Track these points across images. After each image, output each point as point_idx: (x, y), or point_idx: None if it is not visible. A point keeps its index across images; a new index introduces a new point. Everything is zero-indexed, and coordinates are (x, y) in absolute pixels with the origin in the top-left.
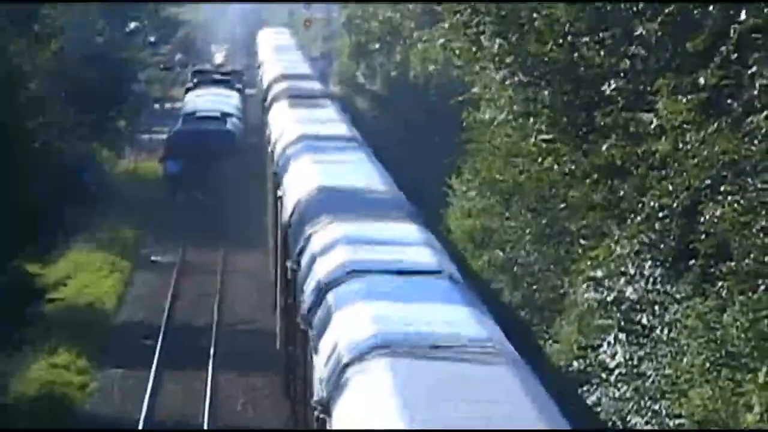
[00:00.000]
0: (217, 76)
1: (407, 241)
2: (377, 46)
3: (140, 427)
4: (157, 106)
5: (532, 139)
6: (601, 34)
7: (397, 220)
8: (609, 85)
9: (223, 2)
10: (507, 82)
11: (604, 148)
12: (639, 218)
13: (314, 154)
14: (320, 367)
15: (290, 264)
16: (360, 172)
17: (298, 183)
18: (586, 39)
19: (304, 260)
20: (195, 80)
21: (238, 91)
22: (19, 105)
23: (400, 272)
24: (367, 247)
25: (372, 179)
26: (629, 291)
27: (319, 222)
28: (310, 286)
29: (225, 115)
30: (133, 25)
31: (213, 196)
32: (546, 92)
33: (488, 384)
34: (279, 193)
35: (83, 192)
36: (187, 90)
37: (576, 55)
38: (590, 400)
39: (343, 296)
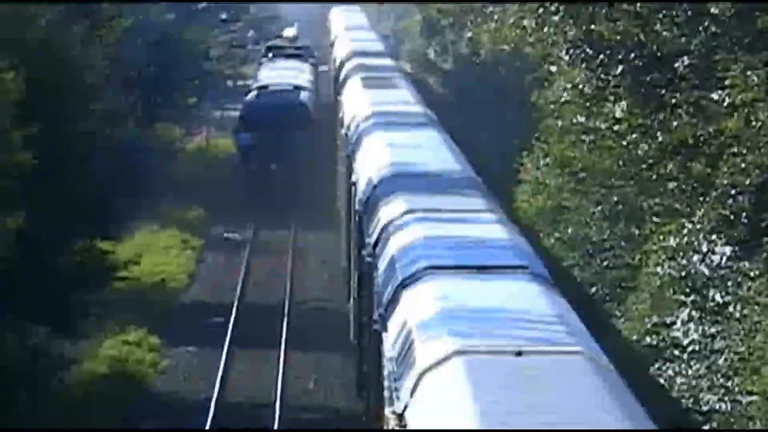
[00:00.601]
0: (290, 51)
1: (487, 235)
2: (449, 23)
3: (212, 405)
4: (230, 83)
5: (603, 118)
6: (673, 12)
7: (475, 208)
8: (682, 62)
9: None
10: (578, 61)
11: (675, 125)
12: (711, 196)
13: (388, 135)
14: (391, 370)
15: (365, 254)
16: (435, 153)
17: (372, 166)
18: (658, 16)
19: (379, 251)
20: (268, 54)
21: (311, 65)
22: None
23: (481, 268)
24: (445, 240)
25: (447, 161)
26: (702, 267)
27: (394, 210)
28: (386, 282)
29: (298, 88)
30: (203, 3)
31: (285, 169)
32: (617, 71)
33: (572, 393)
34: (353, 177)
35: (139, 175)
36: (260, 64)
37: (647, 31)
38: (662, 377)
39: (419, 295)
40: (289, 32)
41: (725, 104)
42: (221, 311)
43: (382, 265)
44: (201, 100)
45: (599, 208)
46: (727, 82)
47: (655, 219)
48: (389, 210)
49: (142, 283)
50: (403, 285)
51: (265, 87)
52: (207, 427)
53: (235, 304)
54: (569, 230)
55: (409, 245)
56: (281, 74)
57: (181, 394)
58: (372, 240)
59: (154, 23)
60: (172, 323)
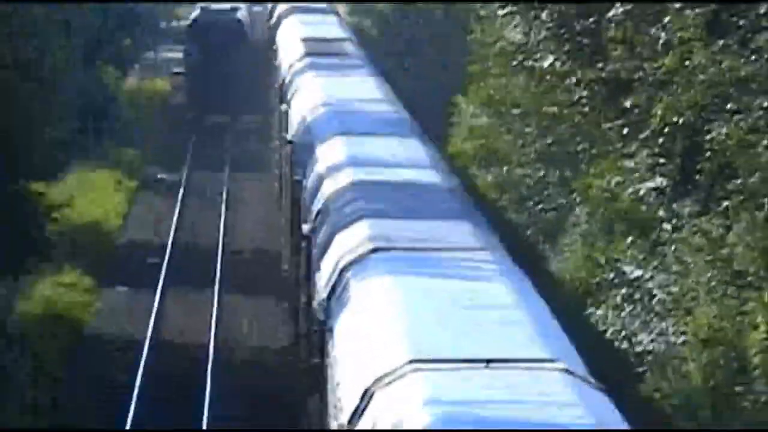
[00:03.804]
0: None
1: (413, 163)
2: None
3: (146, 345)
4: (163, 24)
5: (536, 58)
6: None
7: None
8: (616, 8)
9: None
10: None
11: (607, 63)
12: (645, 135)
13: (321, 78)
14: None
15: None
16: (365, 90)
17: (304, 100)
18: None
19: (310, 179)
20: None
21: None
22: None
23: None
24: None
25: (381, 104)
26: (635, 207)
27: (330, 159)
28: (314, 204)
29: (234, 9)
30: None
31: (225, 77)
32: (549, 12)
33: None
34: (284, 107)
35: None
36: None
37: None
38: (595, 318)
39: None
40: None
41: (660, 42)
42: (155, 253)
43: (314, 191)
44: (135, 42)
45: (533, 149)
46: (665, 20)
47: (588, 160)
48: (325, 159)
49: (75, 224)
50: (337, 233)
51: (205, 7)
52: (140, 369)
53: (169, 245)
54: (503, 172)
55: (344, 195)
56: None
57: (115, 335)
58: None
59: None
60: (105, 265)
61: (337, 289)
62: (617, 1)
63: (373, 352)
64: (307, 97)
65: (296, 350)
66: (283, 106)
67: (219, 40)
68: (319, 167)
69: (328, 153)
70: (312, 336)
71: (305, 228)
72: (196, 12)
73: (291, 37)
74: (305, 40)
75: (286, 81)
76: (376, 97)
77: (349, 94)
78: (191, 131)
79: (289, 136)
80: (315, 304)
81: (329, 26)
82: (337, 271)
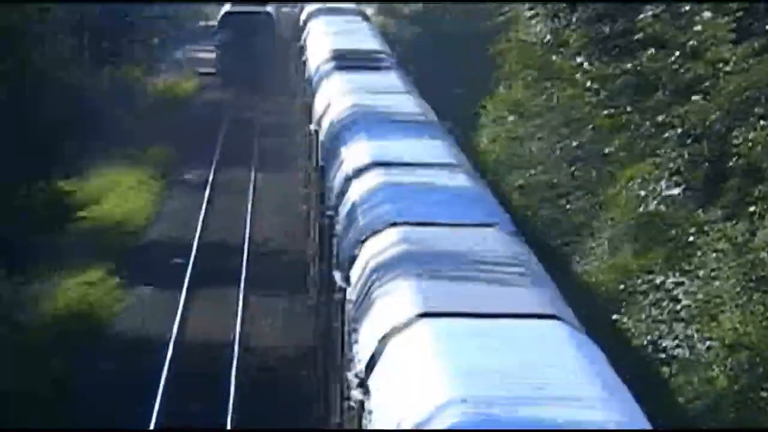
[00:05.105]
0: None
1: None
2: None
3: (171, 345)
4: (191, 25)
5: (561, 63)
6: None
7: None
8: (646, 11)
9: None
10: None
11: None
12: (673, 139)
13: (349, 77)
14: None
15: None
16: (396, 97)
17: (332, 102)
18: None
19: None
20: None
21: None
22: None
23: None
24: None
25: (409, 105)
26: (661, 210)
27: (357, 160)
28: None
29: (263, 4)
30: None
31: (253, 65)
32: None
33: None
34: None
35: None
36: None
37: None
38: (621, 322)
39: (383, 246)
40: None
41: (689, 45)
42: (181, 252)
43: (343, 214)
44: (163, 42)
45: (558, 152)
46: (696, 29)
47: (614, 163)
48: (352, 159)
49: (101, 223)
50: (366, 239)
51: (237, 2)
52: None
53: (195, 244)
54: (528, 175)
55: (373, 198)
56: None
57: (140, 335)
58: (333, 192)
59: None
60: (131, 264)
61: (377, 359)
62: (649, 2)
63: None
64: (332, 92)
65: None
66: (312, 126)
67: (249, 27)
68: (354, 200)
69: (363, 184)
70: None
71: (338, 278)
72: (227, 5)
73: (319, 46)
74: (333, 51)
75: (313, 79)
76: (410, 110)
77: (382, 107)
78: (218, 130)
79: (317, 163)
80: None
81: (358, 31)
82: (378, 339)
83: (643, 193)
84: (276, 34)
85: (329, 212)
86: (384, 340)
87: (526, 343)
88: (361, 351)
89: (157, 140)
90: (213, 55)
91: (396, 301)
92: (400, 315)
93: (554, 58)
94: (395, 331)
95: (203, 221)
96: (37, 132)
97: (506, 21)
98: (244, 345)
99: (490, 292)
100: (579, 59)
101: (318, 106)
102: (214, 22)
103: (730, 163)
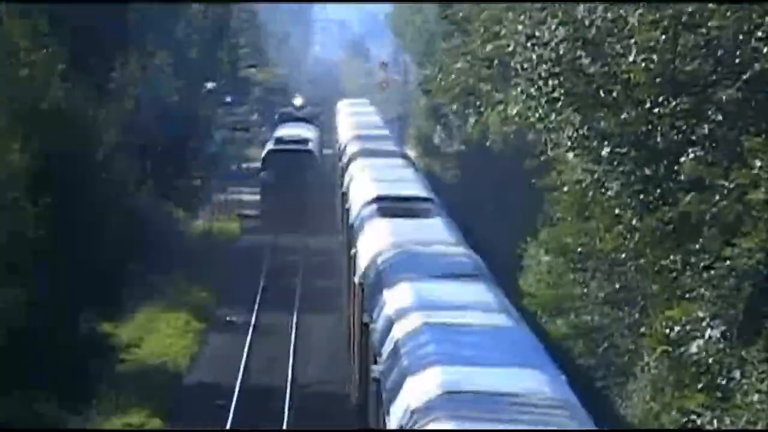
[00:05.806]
0: (299, 114)
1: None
2: (454, 108)
3: None
4: (234, 166)
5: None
6: (678, 100)
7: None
8: (687, 155)
9: None
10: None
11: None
12: (713, 280)
13: (391, 222)
14: None
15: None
16: (435, 234)
17: (374, 244)
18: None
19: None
20: (281, 119)
21: (316, 126)
22: (93, 160)
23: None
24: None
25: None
26: (702, 354)
27: (405, 326)
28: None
29: (306, 140)
30: (209, 85)
31: (296, 201)
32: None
33: None
34: (353, 251)
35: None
36: (275, 126)
37: (651, 125)
38: None
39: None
40: (298, 101)
41: (728, 187)
42: (223, 394)
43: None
44: (205, 183)
45: (601, 294)
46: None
47: (655, 305)
48: (401, 325)
49: (144, 364)
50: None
51: (280, 138)
52: None
53: (237, 387)
54: (572, 317)
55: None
56: (293, 129)
57: None
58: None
59: (166, 97)
60: (173, 406)
61: None
62: (689, 146)
63: None
64: (377, 240)
65: None
66: (353, 250)
67: (292, 166)
68: (388, 310)
69: (398, 296)
70: None
71: (375, 370)
72: (270, 143)
73: (361, 188)
74: (376, 198)
75: (356, 225)
76: (446, 240)
77: (419, 237)
78: (260, 272)
79: (357, 279)
80: None
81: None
82: (408, 415)
83: (682, 335)
84: (318, 172)
85: (375, 375)
86: None
87: None
88: None
89: (199, 282)
90: (255, 197)
91: None
92: None
93: (596, 200)
94: None
95: (245, 364)
96: (95, 261)
97: (548, 161)
98: None
99: None
100: (620, 201)
101: (362, 258)
102: (257, 164)
103: None
